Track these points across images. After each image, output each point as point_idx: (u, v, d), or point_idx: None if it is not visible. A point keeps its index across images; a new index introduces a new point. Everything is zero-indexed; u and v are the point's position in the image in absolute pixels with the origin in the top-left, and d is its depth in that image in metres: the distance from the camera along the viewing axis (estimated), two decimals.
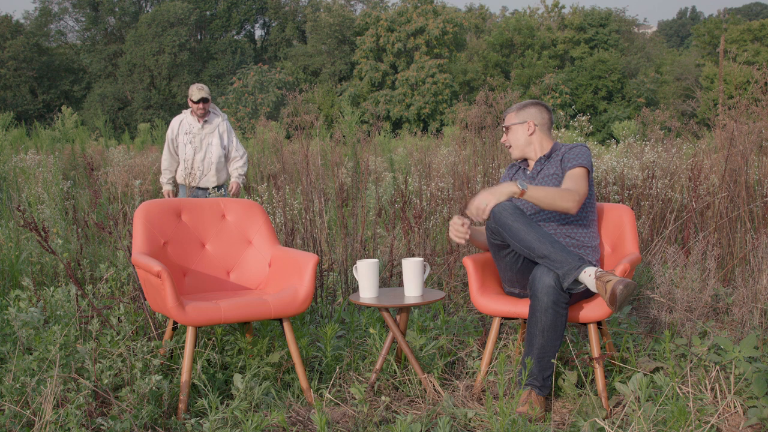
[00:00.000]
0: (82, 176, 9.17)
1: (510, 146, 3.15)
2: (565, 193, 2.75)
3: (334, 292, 4.17)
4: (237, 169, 5.68)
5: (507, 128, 3.15)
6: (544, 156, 3.06)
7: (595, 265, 2.83)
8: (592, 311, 2.71)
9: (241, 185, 5.78)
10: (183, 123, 5.53)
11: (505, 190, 2.67)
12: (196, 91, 5.47)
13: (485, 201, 2.66)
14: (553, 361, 2.64)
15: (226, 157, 5.64)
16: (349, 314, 3.48)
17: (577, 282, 2.62)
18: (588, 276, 2.59)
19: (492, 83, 8.51)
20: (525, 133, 3.09)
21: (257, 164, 9.35)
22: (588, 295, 2.79)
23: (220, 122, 5.58)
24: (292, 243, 4.09)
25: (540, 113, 3.10)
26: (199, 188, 5.55)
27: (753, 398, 2.51)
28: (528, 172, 3.11)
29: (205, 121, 5.50)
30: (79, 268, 3.89)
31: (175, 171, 5.61)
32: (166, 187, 5.62)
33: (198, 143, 5.48)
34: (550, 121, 3.12)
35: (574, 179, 2.86)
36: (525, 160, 3.17)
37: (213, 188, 5.51)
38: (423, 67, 33.45)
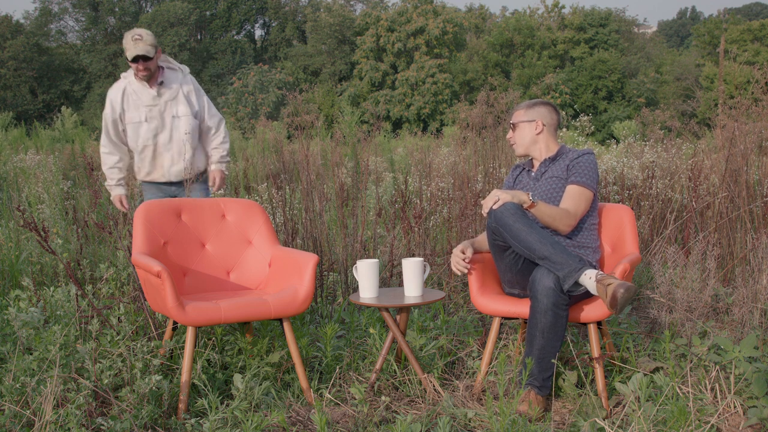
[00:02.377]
0: (82, 176, 9.17)
1: (515, 143, 3.14)
2: (565, 217, 2.84)
3: (334, 292, 4.17)
4: (216, 149, 3.97)
5: (514, 125, 3.13)
6: (549, 158, 3.06)
7: (595, 267, 2.83)
8: (592, 311, 2.71)
9: (226, 173, 4.03)
10: (128, 93, 3.77)
11: (519, 195, 2.75)
12: (132, 43, 3.64)
13: (499, 196, 2.72)
14: (553, 361, 2.64)
15: (200, 130, 3.94)
16: (349, 314, 3.48)
17: (577, 284, 2.63)
18: (588, 279, 2.59)
19: (493, 83, 8.51)
20: (532, 132, 3.08)
21: (257, 164, 9.34)
22: (588, 295, 2.79)
23: (181, 79, 3.86)
24: (292, 243, 4.09)
25: (549, 114, 3.10)
26: (172, 184, 3.91)
27: (753, 398, 2.51)
28: (532, 174, 3.11)
29: (160, 84, 3.77)
30: (79, 268, 3.89)
31: (126, 166, 3.98)
32: (117, 192, 3.95)
33: (157, 118, 3.77)
34: (558, 123, 3.13)
35: (576, 199, 2.89)
36: (530, 160, 3.17)
37: (193, 179, 3.86)
38: (423, 67, 33.45)
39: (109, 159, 3.92)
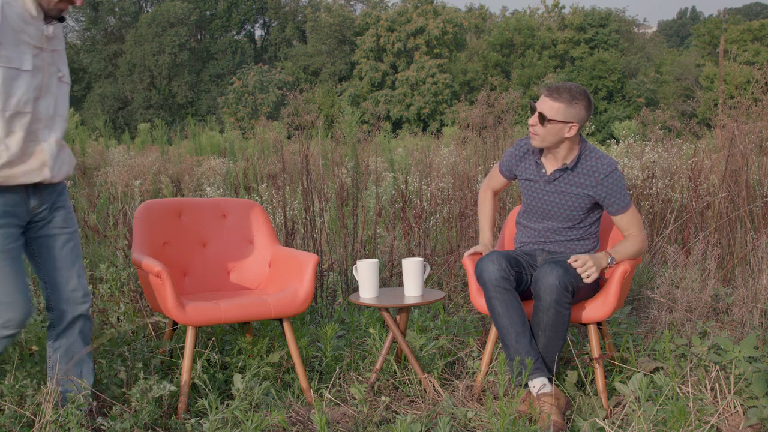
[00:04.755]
0: (81, 176, 9.17)
1: (537, 135, 2.74)
2: (642, 243, 2.80)
3: (334, 292, 4.17)
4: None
5: (546, 119, 2.69)
6: (568, 165, 2.78)
7: (544, 375, 2.63)
8: (593, 312, 2.71)
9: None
10: (6, 14, 2.21)
11: (600, 264, 2.68)
12: None
13: (589, 272, 2.64)
14: (554, 361, 2.64)
15: None
16: (349, 314, 3.48)
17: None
18: (533, 387, 2.58)
19: (493, 83, 8.54)
20: (563, 133, 2.71)
21: (257, 164, 9.34)
22: (589, 296, 2.79)
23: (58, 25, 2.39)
24: (292, 243, 4.09)
25: (586, 113, 2.73)
26: (35, 191, 2.35)
27: (753, 398, 2.51)
28: (544, 174, 2.85)
29: (60, 20, 2.37)
30: None
31: None
32: None
33: (44, 73, 2.33)
34: None
35: (636, 219, 2.82)
36: (540, 149, 2.87)
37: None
38: (423, 67, 33.46)
39: None
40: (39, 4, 2.29)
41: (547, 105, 2.70)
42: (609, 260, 2.72)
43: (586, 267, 2.65)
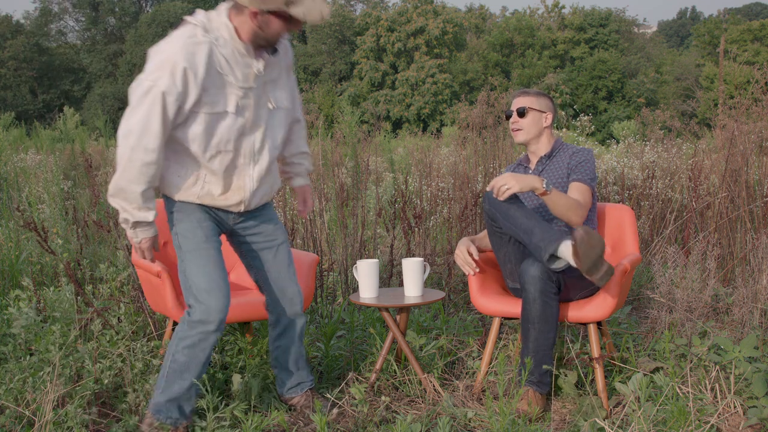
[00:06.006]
0: (82, 176, 9.17)
1: (520, 129, 3.01)
2: (578, 207, 2.77)
3: (334, 292, 4.17)
4: (305, 153, 2.75)
5: (524, 110, 3.01)
6: (545, 156, 3.01)
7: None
8: (592, 311, 2.71)
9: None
10: (216, 58, 2.25)
11: (530, 182, 2.65)
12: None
13: (508, 184, 2.64)
14: (549, 356, 2.63)
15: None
16: (349, 314, 3.48)
17: (555, 258, 2.58)
18: (566, 248, 2.53)
19: (493, 83, 8.57)
20: (541, 123, 3.01)
21: None
22: (588, 295, 2.79)
23: (287, 47, 2.52)
24: (292, 243, 4.09)
25: (553, 105, 3.06)
26: (229, 211, 2.49)
27: (753, 398, 2.51)
28: (530, 172, 3.05)
29: (275, 50, 2.40)
30: (79, 268, 3.89)
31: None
32: (152, 232, 2.36)
33: (252, 108, 2.37)
34: None
35: (582, 193, 2.86)
36: (525, 156, 3.12)
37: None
38: (423, 67, 33.46)
39: (149, 171, 2.24)
40: (252, 40, 2.31)
41: (521, 100, 3.04)
42: (544, 184, 2.67)
43: (502, 182, 2.64)
